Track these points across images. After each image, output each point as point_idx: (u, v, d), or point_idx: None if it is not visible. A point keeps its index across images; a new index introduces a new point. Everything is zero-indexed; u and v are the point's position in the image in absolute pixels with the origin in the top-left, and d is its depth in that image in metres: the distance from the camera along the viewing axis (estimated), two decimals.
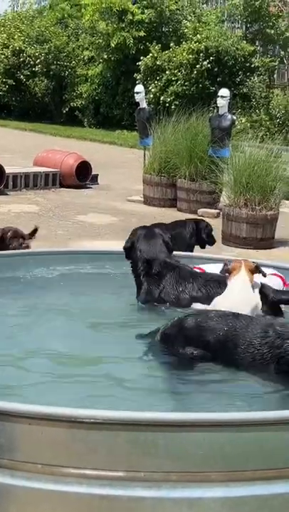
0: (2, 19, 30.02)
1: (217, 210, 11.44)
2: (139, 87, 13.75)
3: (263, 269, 4.35)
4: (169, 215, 10.53)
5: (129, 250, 4.64)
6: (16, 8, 33.88)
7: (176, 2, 25.59)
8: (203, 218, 8.87)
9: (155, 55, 23.54)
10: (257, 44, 24.70)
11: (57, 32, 27.83)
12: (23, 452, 2.55)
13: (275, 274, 4.63)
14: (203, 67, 22.52)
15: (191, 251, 7.30)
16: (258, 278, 4.21)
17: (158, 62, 23.42)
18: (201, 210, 11.59)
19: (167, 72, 23.19)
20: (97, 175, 14.44)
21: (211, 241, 7.73)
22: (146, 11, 24.95)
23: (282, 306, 4.23)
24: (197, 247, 7.52)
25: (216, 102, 12.50)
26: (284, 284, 4.59)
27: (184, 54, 22.78)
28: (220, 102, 11.93)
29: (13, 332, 3.92)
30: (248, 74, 23.36)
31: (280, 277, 4.63)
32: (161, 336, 3.66)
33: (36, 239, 6.20)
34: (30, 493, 2.53)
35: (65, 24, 29.02)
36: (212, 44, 22.70)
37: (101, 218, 11.18)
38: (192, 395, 3.27)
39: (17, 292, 4.70)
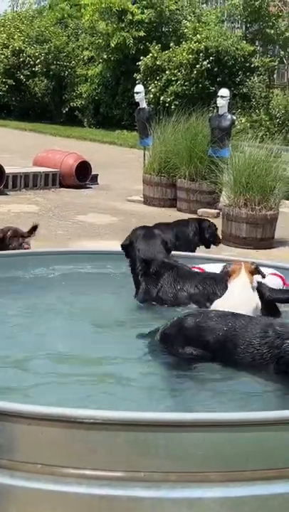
0: (2, 19, 30.04)
1: (217, 210, 11.45)
2: (138, 87, 13.75)
3: (263, 268, 4.35)
4: (169, 215, 10.53)
5: (127, 248, 4.65)
6: (15, 8, 33.91)
7: (176, 2, 25.60)
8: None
9: (155, 55, 23.54)
10: (257, 44, 24.71)
11: (57, 32, 27.84)
12: (22, 452, 2.55)
13: (275, 274, 4.63)
14: (203, 67, 22.52)
15: (194, 250, 7.30)
16: (257, 279, 4.21)
17: (158, 62, 23.43)
18: (200, 210, 11.59)
19: (167, 72, 23.19)
20: (97, 175, 14.43)
21: (215, 241, 7.69)
22: (146, 10, 24.96)
23: (282, 306, 4.23)
24: (201, 247, 7.50)
25: (215, 102, 12.51)
26: (284, 283, 4.59)
27: (184, 54, 22.78)
28: (220, 102, 11.93)
29: (13, 332, 3.92)
30: (247, 74, 23.37)
31: (280, 277, 4.63)
32: (160, 336, 3.66)
33: (36, 239, 6.17)
34: (30, 494, 2.53)
35: (65, 24, 29.03)
36: (212, 44, 22.71)
37: (101, 218, 11.18)
38: (191, 394, 3.27)
39: (17, 292, 4.70)
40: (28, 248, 5.80)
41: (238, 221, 9.89)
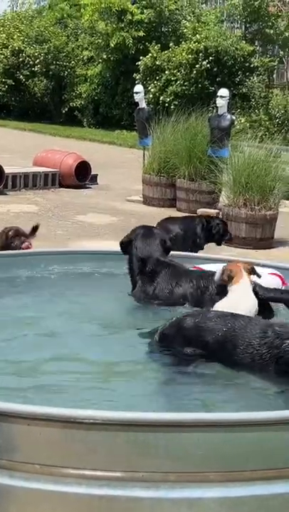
0: (1, 19, 30.06)
1: (216, 210, 11.43)
2: (138, 87, 13.76)
3: (262, 268, 4.35)
4: (169, 215, 10.50)
5: (126, 246, 4.67)
6: (15, 8, 33.93)
7: (176, 2, 25.61)
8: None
9: (154, 55, 23.55)
10: (256, 44, 24.72)
11: (56, 32, 27.84)
12: (22, 453, 2.55)
13: (274, 274, 4.63)
14: (203, 67, 22.52)
15: (202, 247, 7.32)
16: (252, 279, 4.21)
17: (157, 62, 23.43)
18: (200, 210, 11.59)
19: (166, 72, 23.20)
20: (97, 175, 14.44)
21: (224, 238, 7.61)
22: (145, 10, 24.97)
23: (281, 307, 4.23)
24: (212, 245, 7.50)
25: (215, 102, 12.50)
26: (283, 283, 4.59)
27: (184, 54, 22.79)
28: (219, 101, 11.93)
29: (13, 332, 3.92)
30: (247, 74, 23.38)
31: (280, 277, 4.63)
32: (159, 336, 3.65)
33: (36, 239, 6.19)
34: (30, 494, 2.53)
35: (65, 24, 29.04)
36: (211, 44, 22.72)
37: (100, 218, 11.19)
38: (190, 395, 3.27)
39: (17, 292, 4.70)
40: (29, 247, 5.84)
41: (238, 221, 9.89)
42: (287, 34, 23.05)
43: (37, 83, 27.66)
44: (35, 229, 6.14)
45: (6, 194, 12.69)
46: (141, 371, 3.49)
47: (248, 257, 6.59)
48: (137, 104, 13.71)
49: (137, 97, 13.48)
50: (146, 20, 24.89)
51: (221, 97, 11.93)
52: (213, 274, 4.35)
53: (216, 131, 11.65)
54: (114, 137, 23.08)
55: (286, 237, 10.45)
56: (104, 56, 25.48)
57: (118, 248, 4.79)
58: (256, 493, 2.52)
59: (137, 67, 23.91)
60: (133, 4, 24.95)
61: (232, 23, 26.09)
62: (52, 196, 12.98)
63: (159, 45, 23.80)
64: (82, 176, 13.90)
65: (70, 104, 27.11)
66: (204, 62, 22.49)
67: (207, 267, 4.80)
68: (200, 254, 6.50)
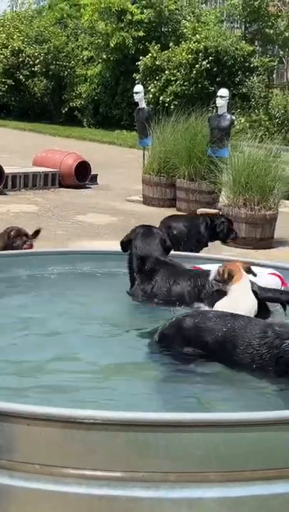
0: (1, 19, 30.06)
1: (216, 210, 11.43)
2: (138, 87, 13.75)
3: (262, 268, 4.35)
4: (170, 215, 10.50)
5: (126, 245, 4.69)
6: (15, 8, 33.93)
7: (175, 2, 25.61)
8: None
9: (154, 55, 23.55)
10: (256, 44, 24.72)
11: (56, 32, 27.84)
12: (21, 453, 2.55)
13: (274, 274, 4.63)
14: (203, 67, 22.52)
15: (206, 245, 7.33)
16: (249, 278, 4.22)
17: (157, 62, 23.43)
18: (200, 210, 11.57)
19: (166, 72, 23.20)
20: (97, 175, 14.44)
21: (229, 237, 7.60)
22: (145, 10, 24.97)
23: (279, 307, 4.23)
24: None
25: (215, 102, 12.50)
26: (282, 283, 4.59)
27: (183, 54, 22.79)
28: (219, 101, 11.93)
29: (13, 332, 3.92)
30: (247, 74, 23.38)
31: (279, 277, 4.63)
32: (159, 336, 3.65)
33: (36, 239, 6.23)
34: (30, 494, 2.53)
35: (64, 24, 29.05)
36: (211, 44, 22.72)
37: (100, 218, 11.18)
38: (190, 395, 3.27)
39: (17, 292, 4.70)
40: (31, 247, 5.88)
41: (238, 221, 9.87)
42: (287, 34, 23.05)
43: (37, 83, 27.66)
44: (37, 232, 6.21)
45: (5, 194, 12.69)
46: (141, 371, 3.49)
47: (248, 257, 6.59)
48: (136, 104, 13.71)
49: (136, 97, 13.48)
50: (146, 20, 24.89)
51: (221, 97, 11.92)
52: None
53: (215, 131, 11.65)
54: (114, 137, 23.09)
55: (286, 237, 10.45)
56: (104, 56, 25.48)
57: (118, 248, 4.80)
58: (256, 493, 2.52)
59: (137, 67, 23.91)
60: (133, 4, 24.95)
61: (232, 23, 26.09)
62: (52, 196, 12.98)
63: (158, 45, 23.80)
64: (82, 176, 13.90)
65: (70, 104, 27.12)
66: (204, 62, 22.50)
67: (207, 267, 4.80)
68: (200, 254, 6.49)
